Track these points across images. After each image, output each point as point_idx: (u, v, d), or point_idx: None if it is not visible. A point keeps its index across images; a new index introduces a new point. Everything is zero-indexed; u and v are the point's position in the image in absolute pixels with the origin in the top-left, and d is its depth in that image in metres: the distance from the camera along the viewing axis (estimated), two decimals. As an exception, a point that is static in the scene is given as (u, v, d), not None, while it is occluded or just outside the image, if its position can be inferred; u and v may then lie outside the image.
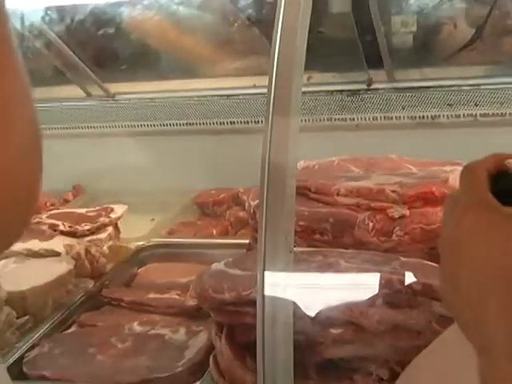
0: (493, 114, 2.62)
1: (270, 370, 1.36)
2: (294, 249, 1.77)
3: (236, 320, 1.58)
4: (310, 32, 2.12)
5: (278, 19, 1.49)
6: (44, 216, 2.55)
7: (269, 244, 1.38)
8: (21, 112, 0.69)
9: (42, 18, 2.80)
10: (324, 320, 1.54)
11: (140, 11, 2.63)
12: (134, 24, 2.73)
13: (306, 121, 2.82)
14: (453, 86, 2.64)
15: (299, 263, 1.62)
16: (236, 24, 2.51)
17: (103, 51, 2.93)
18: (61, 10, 2.80)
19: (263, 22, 2.50)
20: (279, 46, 1.46)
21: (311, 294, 1.53)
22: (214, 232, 2.62)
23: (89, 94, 3.11)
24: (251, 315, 1.45)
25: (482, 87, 2.60)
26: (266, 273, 1.36)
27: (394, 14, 2.58)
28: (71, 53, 2.89)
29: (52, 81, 3.08)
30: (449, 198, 0.85)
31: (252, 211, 1.94)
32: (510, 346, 0.72)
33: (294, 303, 1.41)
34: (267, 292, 1.37)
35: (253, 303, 1.41)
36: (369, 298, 1.52)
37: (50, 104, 3.12)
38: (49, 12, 2.77)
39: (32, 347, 1.91)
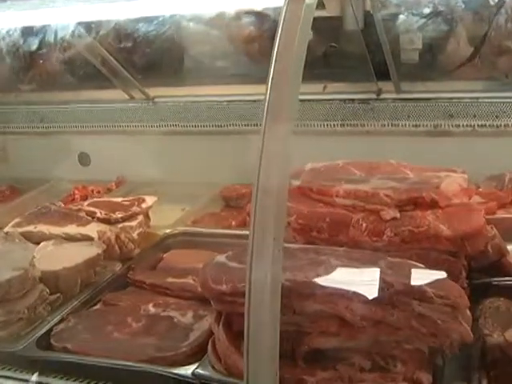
0: (489, 125, 2.49)
1: (255, 356, 1.26)
2: (292, 245, 1.69)
3: (232, 309, 1.50)
4: (323, 46, 1.99)
5: (278, 35, 1.39)
6: (85, 204, 2.49)
7: (258, 242, 1.28)
8: None
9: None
10: (311, 313, 1.45)
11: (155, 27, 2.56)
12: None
13: (320, 125, 2.72)
14: (454, 98, 2.52)
15: (292, 259, 1.53)
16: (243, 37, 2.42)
17: (145, 62, 2.86)
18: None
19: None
20: (276, 59, 1.36)
21: (300, 288, 1.43)
22: (233, 223, 2.53)
23: (132, 97, 3.04)
24: (246, 306, 1.36)
25: (481, 100, 2.48)
26: (255, 268, 1.27)
27: (402, 33, 2.45)
28: (117, 63, 2.83)
29: (100, 86, 3.03)
30: None
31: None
32: None
33: (282, 296, 1.31)
34: (256, 285, 1.27)
35: (247, 295, 1.32)
36: (354, 295, 1.41)
37: (98, 105, 3.09)
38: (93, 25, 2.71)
39: (60, 321, 1.84)
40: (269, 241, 1.27)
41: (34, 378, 1.61)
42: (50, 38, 2.81)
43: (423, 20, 2.37)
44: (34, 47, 2.86)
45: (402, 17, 2.39)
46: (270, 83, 1.33)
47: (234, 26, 2.48)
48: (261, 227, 1.27)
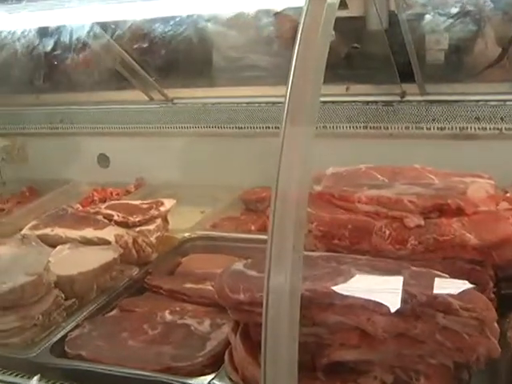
0: (517, 128, 2.41)
1: (273, 368, 1.22)
2: (312, 253, 1.64)
3: (250, 319, 1.45)
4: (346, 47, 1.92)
5: (298, 35, 1.35)
6: (103, 206, 2.47)
7: (276, 250, 1.23)
8: None
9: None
10: (332, 324, 1.40)
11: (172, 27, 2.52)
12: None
13: (342, 128, 2.67)
14: (480, 100, 2.45)
15: (313, 268, 1.48)
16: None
17: (165, 62, 2.83)
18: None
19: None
20: (296, 60, 1.31)
21: (320, 299, 1.39)
22: (253, 227, 2.49)
23: (151, 99, 3.01)
24: (264, 316, 1.31)
25: (508, 103, 2.40)
26: (273, 277, 1.22)
27: (428, 33, 2.39)
28: (135, 63, 2.80)
29: (119, 87, 3.01)
30: None
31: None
32: None
33: (302, 306, 1.26)
34: (274, 295, 1.23)
35: (265, 304, 1.27)
36: (376, 306, 1.36)
37: (117, 106, 3.06)
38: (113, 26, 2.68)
39: (75, 328, 1.82)
40: (288, 248, 1.22)
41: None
42: (66, 38, 2.79)
43: (450, 20, 2.30)
44: (50, 48, 2.85)
45: (427, 17, 2.33)
46: (290, 85, 1.28)
47: (253, 27, 2.44)
48: (280, 234, 1.23)
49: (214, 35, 2.70)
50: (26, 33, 2.72)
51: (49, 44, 2.86)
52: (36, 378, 1.58)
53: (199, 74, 2.84)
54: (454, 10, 2.30)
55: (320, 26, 1.33)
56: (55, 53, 2.89)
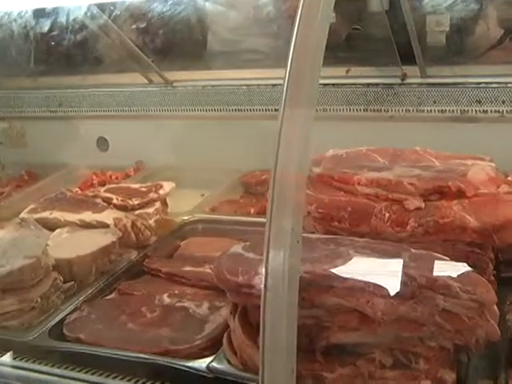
0: (519, 111, 2.39)
1: (271, 350, 1.21)
2: (311, 235, 1.63)
3: (248, 302, 1.45)
4: (346, 28, 1.90)
5: (298, 16, 1.33)
6: (102, 190, 2.46)
7: (275, 232, 1.22)
8: None
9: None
10: (331, 306, 1.39)
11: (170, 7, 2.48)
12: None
13: (342, 110, 2.65)
14: (482, 83, 2.42)
15: (312, 250, 1.47)
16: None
17: (163, 44, 2.81)
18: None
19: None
20: (295, 42, 1.29)
21: (319, 281, 1.38)
22: (252, 210, 2.48)
23: (150, 81, 2.99)
24: (262, 298, 1.30)
25: (510, 85, 2.38)
26: (272, 259, 1.21)
27: (429, 14, 2.37)
28: (134, 46, 2.78)
29: (119, 69, 2.99)
30: None
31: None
32: None
33: (300, 288, 1.25)
34: (272, 277, 1.22)
35: (264, 287, 1.26)
36: (375, 288, 1.35)
37: (117, 89, 3.04)
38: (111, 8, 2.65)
39: (74, 311, 1.81)
40: (286, 231, 1.22)
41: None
42: (63, 19, 2.75)
43: (451, 0, 2.28)
44: (47, 29, 2.81)
45: (429, -4, 2.31)
46: (289, 67, 1.26)
47: (252, 7, 2.41)
48: (278, 217, 1.22)
49: (212, 16, 2.67)
50: (22, 13, 2.69)
51: (45, 25, 2.82)
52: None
53: (198, 56, 2.81)
54: (456, -10, 2.28)
55: (320, 7, 1.31)
56: (52, 34, 2.86)
